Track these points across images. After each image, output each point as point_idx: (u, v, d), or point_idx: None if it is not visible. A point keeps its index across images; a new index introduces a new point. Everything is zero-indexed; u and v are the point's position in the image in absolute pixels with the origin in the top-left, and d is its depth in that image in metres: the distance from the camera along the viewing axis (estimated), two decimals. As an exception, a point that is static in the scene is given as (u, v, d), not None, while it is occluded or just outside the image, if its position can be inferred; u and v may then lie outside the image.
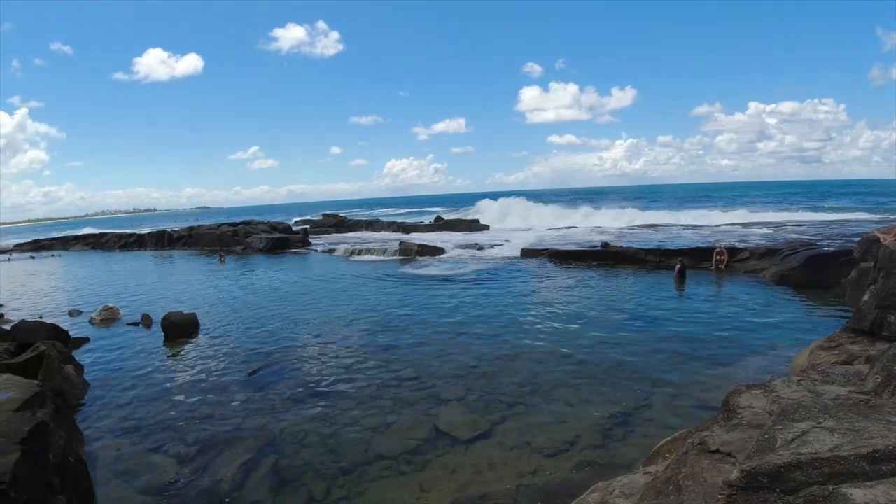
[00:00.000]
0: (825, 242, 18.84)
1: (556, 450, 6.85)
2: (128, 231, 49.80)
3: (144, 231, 48.22)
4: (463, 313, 14.51)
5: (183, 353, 12.19)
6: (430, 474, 6.50)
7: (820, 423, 3.40)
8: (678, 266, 18.07)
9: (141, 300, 18.80)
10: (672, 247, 22.07)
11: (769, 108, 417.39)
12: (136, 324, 14.99)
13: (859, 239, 15.64)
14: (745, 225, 30.35)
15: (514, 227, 43.00)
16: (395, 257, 28.60)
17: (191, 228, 45.41)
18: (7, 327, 12.17)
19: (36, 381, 6.98)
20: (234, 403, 8.89)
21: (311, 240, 38.25)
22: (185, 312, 14.22)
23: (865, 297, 8.77)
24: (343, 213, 65.66)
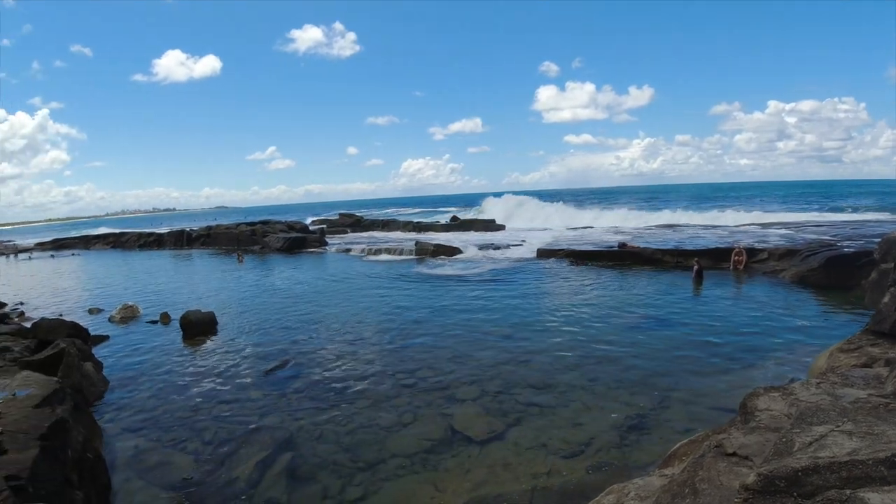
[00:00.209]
0: (845, 243, 18.55)
1: (571, 451, 6.84)
2: (147, 230, 50.68)
3: (164, 230, 49.11)
4: (478, 313, 14.53)
5: (201, 351, 12.39)
6: (444, 474, 6.54)
7: (838, 426, 3.36)
8: (695, 267, 17.90)
9: (160, 299, 19.14)
10: (690, 247, 21.87)
11: (789, 106, 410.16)
12: (155, 322, 15.28)
13: (880, 240, 15.38)
14: (763, 225, 29.97)
15: (531, 227, 42.86)
16: (410, 257, 28.69)
17: (209, 228, 46.07)
18: (28, 325, 12.47)
19: (55, 378, 7.19)
20: (250, 401, 9.03)
21: (327, 239, 38.61)
22: (203, 311, 14.47)
23: (886, 299, 8.58)
24: (359, 212, 66.05)
